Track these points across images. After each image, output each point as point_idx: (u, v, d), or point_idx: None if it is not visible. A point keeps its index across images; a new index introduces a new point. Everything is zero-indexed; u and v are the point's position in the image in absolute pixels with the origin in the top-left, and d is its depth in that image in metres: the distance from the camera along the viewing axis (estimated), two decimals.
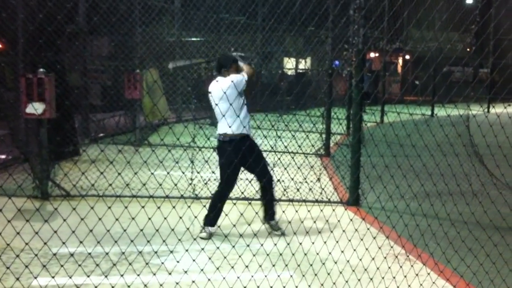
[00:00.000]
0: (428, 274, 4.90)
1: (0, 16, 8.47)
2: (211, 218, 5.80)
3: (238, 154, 5.35)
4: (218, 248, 4.45)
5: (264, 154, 6.27)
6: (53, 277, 4.00)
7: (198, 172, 6.99)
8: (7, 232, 4.36)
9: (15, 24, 8.66)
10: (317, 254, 4.76)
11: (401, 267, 4.91)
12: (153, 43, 12.64)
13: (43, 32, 8.48)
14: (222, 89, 5.61)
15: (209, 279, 4.18)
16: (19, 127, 8.91)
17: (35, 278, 4.14)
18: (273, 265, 4.47)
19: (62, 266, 4.13)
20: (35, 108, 7.06)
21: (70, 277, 4.01)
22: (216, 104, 5.67)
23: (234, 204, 5.00)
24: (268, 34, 16.17)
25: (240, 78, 5.71)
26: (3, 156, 9.04)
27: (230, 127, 5.58)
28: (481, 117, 5.12)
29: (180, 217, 4.07)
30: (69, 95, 10.01)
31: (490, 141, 4.92)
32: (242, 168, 5.96)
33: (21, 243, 4.42)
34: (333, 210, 5.17)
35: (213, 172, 6.05)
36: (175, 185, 4.75)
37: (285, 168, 5.01)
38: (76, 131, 10.35)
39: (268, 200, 5.88)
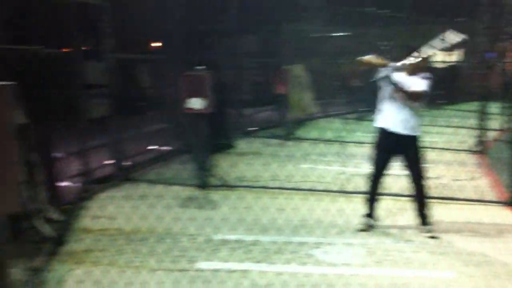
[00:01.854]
0: None
1: (163, 17, 9.15)
2: (368, 209, 5.79)
3: (383, 144, 5.36)
4: (384, 242, 4.43)
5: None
6: (225, 262, 4.24)
7: (355, 167, 7.00)
8: (174, 218, 4.74)
9: (174, 24, 9.31)
10: (484, 255, 4.56)
11: None
12: (299, 39, 12.84)
13: (201, 32, 9.02)
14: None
15: (370, 274, 4.20)
16: (180, 121, 9.57)
17: (204, 262, 4.45)
18: (423, 263, 4.37)
19: (232, 251, 4.37)
20: (195, 103, 7.55)
21: (241, 262, 4.22)
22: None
23: (384, 198, 4.94)
24: (414, 26, 15.64)
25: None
26: (165, 148, 9.74)
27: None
28: None
29: (340, 211, 4.14)
30: (223, 91, 10.52)
31: None
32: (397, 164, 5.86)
33: (186, 228, 4.77)
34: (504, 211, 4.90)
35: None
36: (333, 179, 4.83)
37: (449, 165, 4.85)
38: (230, 125, 10.87)
39: (418, 204, 5.72)
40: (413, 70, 5.65)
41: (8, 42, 5.24)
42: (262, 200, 4.64)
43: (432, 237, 5.56)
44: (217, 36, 11.04)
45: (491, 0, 10.83)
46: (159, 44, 12.75)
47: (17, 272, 2.76)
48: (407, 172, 5.70)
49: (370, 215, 5.83)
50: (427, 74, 5.69)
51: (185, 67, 8.47)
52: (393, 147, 5.54)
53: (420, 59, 5.65)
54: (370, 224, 5.82)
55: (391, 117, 5.61)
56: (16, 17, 5.46)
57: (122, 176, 7.55)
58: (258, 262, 4.70)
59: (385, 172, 5.73)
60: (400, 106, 5.60)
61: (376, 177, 5.74)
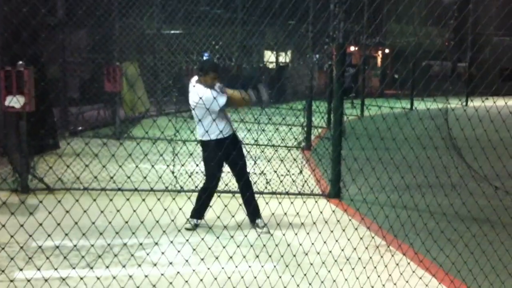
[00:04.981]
0: (408, 264, 5.01)
1: None
2: (197, 211, 5.85)
3: (219, 153, 5.44)
4: (202, 239, 4.49)
5: (247, 147, 6.28)
6: (38, 269, 4.00)
7: (182, 165, 7.00)
8: None
9: None
10: (300, 245, 4.82)
11: (381, 257, 5.00)
12: (132, 35, 12.55)
13: (23, 25, 8.39)
14: (196, 98, 5.66)
15: (194, 270, 4.22)
16: None
17: (20, 270, 4.14)
18: (257, 256, 4.52)
19: (47, 258, 4.13)
20: (15, 101, 7.01)
21: (56, 269, 4.01)
22: (193, 109, 5.76)
23: (219, 196, 5.04)
24: (249, 28, 16.18)
25: (209, 99, 5.65)
26: None
27: (207, 132, 5.65)
28: (460, 111, 5.23)
29: (165, 209, 4.10)
30: (49, 88, 9.91)
31: (468, 134, 5.03)
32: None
33: (5, 236, 4.40)
34: (316, 202, 5.24)
35: (197, 165, 6.07)
36: (160, 177, 4.78)
37: (268, 161, 5.05)
38: (55, 124, 10.27)
39: (245, 202, 5.89)
40: (206, 82, 5.85)
41: None
42: (85, 203, 4.40)
43: (258, 231, 5.77)
44: (45, 30, 10.34)
45: (319, 5, 11.55)
46: None
47: None
48: (233, 170, 5.87)
49: (199, 213, 5.89)
50: (221, 85, 5.92)
51: (6, 62, 7.81)
52: (219, 152, 5.64)
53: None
54: (198, 222, 5.88)
55: (213, 126, 5.72)
56: None
57: None
58: (79, 268, 4.49)
59: (218, 174, 5.85)
60: (219, 114, 5.75)
61: (208, 181, 5.83)
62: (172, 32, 14.99)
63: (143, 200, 3.96)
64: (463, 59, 30.04)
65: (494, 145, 4.98)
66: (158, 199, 4.23)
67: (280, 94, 16.87)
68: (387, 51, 33.48)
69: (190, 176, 6.23)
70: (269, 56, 21.75)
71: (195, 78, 5.93)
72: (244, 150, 6.06)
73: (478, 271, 4.85)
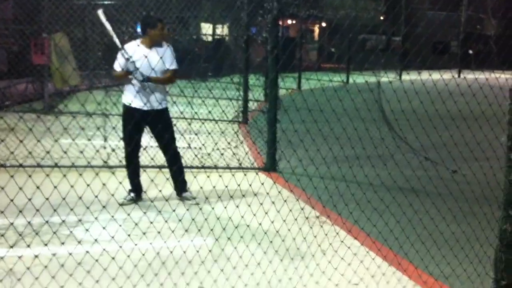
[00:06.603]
0: (337, 233, 5.09)
1: None
2: (129, 183, 5.75)
3: (130, 122, 5.35)
4: (128, 215, 4.39)
5: (182, 121, 6.15)
6: None
7: (105, 140, 6.82)
8: None
9: None
10: (230, 218, 4.81)
11: (311, 227, 5.06)
12: (60, 5, 11.99)
13: None
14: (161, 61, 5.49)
15: (120, 247, 4.13)
16: None
17: None
18: (186, 230, 4.48)
19: None
20: None
21: None
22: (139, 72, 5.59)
23: (144, 171, 4.94)
24: None
25: (169, 55, 5.66)
26: None
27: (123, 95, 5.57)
28: (394, 84, 5.32)
29: (88, 185, 3.96)
30: None
31: (398, 107, 5.12)
32: (151, 136, 5.89)
33: None
34: (245, 175, 5.22)
35: (121, 139, 5.91)
36: (81, 152, 4.61)
37: (196, 134, 4.99)
38: None
39: (175, 173, 5.79)
40: (151, 41, 5.69)
41: None
42: (15, 180, 4.20)
43: (187, 203, 5.72)
44: None
45: None
46: None
47: None
48: (158, 144, 5.77)
49: (130, 189, 5.77)
50: (167, 45, 5.77)
51: None
52: (139, 122, 5.53)
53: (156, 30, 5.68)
54: (130, 198, 5.76)
55: (136, 93, 5.59)
56: None
57: None
58: (10, 247, 4.28)
59: (138, 146, 5.72)
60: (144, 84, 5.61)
61: (130, 152, 5.70)
62: (104, 3, 14.46)
63: (64, 176, 3.82)
64: (398, 33, 30.66)
65: (421, 117, 5.09)
66: (80, 175, 4.10)
67: (217, 68, 16.70)
68: (324, 24, 33.71)
69: (113, 150, 6.08)
70: (206, 29, 21.45)
71: (135, 42, 5.75)
72: (172, 123, 5.94)
73: (405, 239, 4.99)
